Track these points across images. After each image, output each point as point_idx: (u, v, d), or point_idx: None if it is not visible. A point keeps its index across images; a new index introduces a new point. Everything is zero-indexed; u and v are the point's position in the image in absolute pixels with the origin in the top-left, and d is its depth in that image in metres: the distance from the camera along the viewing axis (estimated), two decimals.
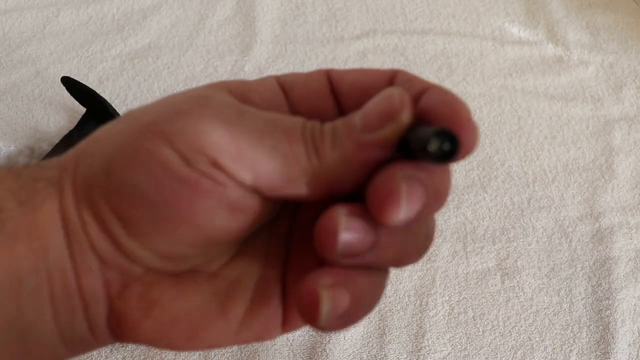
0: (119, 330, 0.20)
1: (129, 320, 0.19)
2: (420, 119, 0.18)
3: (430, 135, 0.17)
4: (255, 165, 0.18)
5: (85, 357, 0.40)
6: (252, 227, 0.20)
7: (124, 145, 0.18)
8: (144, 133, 0.18)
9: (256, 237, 0.21)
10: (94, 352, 0.41)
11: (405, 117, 0.18)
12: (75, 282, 0.19)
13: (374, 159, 0.18)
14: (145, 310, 0.19)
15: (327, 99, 0.21)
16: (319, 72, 0.22)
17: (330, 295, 0.17)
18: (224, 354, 0.41)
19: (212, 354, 0.41)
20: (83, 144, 0.20)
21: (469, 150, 0.18)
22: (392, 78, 0.20)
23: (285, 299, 0.21)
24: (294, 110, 0.21)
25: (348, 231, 0.17)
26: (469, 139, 0.17)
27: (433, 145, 0.17)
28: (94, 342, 0.20)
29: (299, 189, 0.19)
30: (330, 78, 0.21)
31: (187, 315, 0.20)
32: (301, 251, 0.21)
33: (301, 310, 0.18)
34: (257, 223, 0.20)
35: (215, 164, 0.18)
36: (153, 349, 0.41)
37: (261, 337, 0.21)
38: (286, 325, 0.21)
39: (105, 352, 0.41)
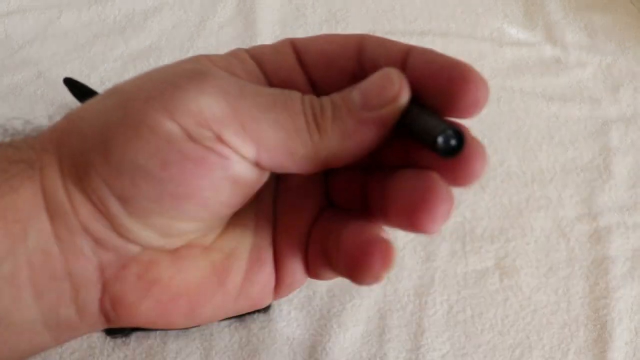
0: (115, 313, 0.19)
1: (126, 302, 0.19)
2: (419, 88, 0.19)
3: (437, 132, 0.17)
4: (258, 139, 0.18)
5: (86, 355, 0.41)
6: (248, 199, 0.20)
7: (122, 122, 0.18)
8: (144, 109, 0.18)
9: (246, 206, 0.21)
10: (96, 351, 0.41)
11: (404, 98, 0.18)
12: (64, 266, 0.18)
13: (374, 136, 0.18)
14: (145, 290, 0.19)
15: (296, 70, 0.21)
16: (284, 44, 0.21)
17: (391, 247, 0.19)
18: (224, 353, 0.41)
19: (214, 352, 0.41)
20: (63, 124, 0.19)
21: (483, 105, 0.18)
22: (360, 46, 0.20)
23: (277, 263, 0.21)
24: (269, 82, 0.21)
25: (446, 202, 0.18)
26: (482, 93, 0.18)
27: (440, 140, 0.17)
28: (82, 328, 0.19)
29: (298, 163, 0.19)
30: (295, 49, 0.21)
31: (188, 291, 0.19)
32: (288, 213, 0.21)
33: (364, 264, 0.18)
34: (253, 195, 0.20)
35: (220, 139, 0.18)
36: (155, 348, 0.41)
37: (256, 304, 0.21)
38: (277, 289, 0.21)
39: (107, 350, 0.41)
